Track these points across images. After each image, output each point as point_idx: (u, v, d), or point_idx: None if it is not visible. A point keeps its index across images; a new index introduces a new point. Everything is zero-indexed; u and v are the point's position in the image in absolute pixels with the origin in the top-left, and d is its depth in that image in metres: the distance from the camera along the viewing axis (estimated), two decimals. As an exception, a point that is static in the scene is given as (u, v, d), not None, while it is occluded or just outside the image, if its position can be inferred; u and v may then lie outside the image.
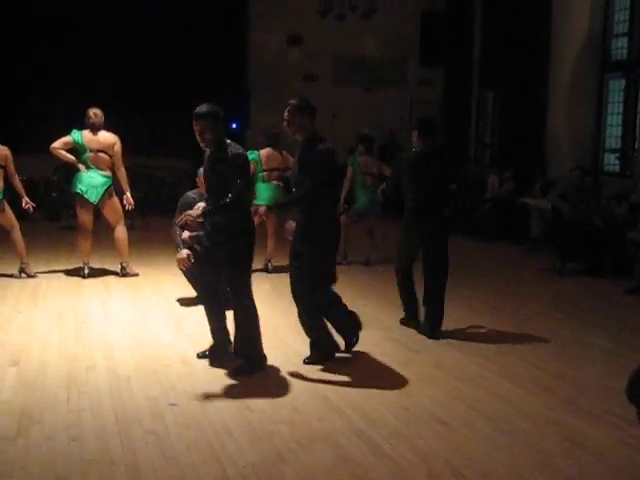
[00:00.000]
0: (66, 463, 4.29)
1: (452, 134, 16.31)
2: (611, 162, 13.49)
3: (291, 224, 6.05)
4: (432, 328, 7.05)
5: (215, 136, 5.74)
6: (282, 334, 6.71)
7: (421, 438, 4.77)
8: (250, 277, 5.96)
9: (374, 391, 5.61)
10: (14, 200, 9.23)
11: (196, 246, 6.56)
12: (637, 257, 9.54)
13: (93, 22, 15.54)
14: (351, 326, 6.41)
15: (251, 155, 9.18)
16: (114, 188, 9.33)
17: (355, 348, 6.50)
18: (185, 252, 6.40)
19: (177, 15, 15.96)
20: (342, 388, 5.67)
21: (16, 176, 9.02)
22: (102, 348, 6.50)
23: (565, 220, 10.50)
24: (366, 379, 5.87)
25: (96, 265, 9.60)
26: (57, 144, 9.06)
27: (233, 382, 5.72)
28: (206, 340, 6.24)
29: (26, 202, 9.10)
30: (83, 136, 9.09)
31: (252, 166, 8.93)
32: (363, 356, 6.47)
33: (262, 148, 9.85)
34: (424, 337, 7.01)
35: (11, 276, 9.11)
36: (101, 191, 9.14)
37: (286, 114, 6.03)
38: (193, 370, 5.98)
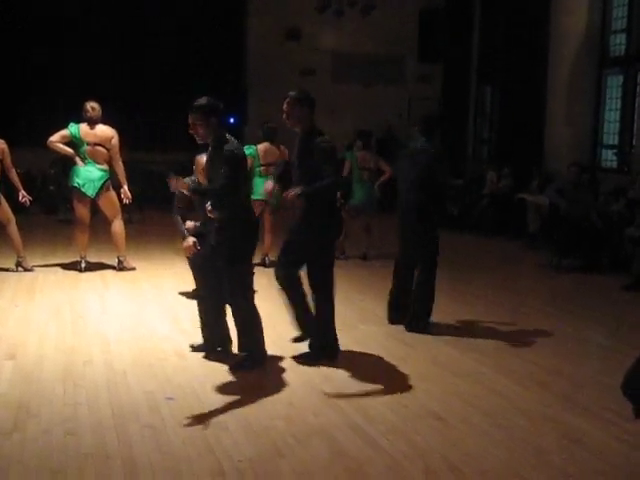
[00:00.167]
0: (62, 457, 4.29)
1: (450, 130, 16.29)
2: (609, 158, 13.50)
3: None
4: (409, 322, 7.11)
5: (209, 130, 5.74)
6: (279, 329, 6.70)
7: (418, 433, 4.77)
8: (248, 276, 5.93)
9: (370, 386, 5.61)
10: (10, 194, 9.22)
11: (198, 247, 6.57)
12: (634, 253, 9.55)
13: (93, 22, 15.54)
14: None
15: (248, 150, 9.15)
16: (111, 182, 9.33)
17: (352, 343, 6.50)
18: (191, 240, 6.44)
19: (177, 14, 15.95)
20: (338, 383, 5.67)
21: (13, 169, 9.00)
22: (99, 342, 6.50)
23: (562, 216, 10.51)
24: (363, 374, 5.86)
25: (93, 259, 9.60)
26: (55, 137, 9.05)
27: (229, 376, 5.72)
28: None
29: (22, 195, 9.08)
30: (80, 129, 9.07)
31: (249, 161, 8.91)
32: (360, 351, 6.46)
33: (260, 143, 9.84)
34: (420, 333, 7.01)
35: (8, 270, 9.11)
36: (98, 185, 9.13)
37: (285, 106, 6.03)
38: (189, 364, 5.98)
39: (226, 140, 5.77)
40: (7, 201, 9.11)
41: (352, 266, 10.00)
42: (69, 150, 9.13)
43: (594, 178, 12.12)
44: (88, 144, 9.09)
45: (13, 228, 9.10)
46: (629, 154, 12.81)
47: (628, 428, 4.83)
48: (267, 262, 9.68)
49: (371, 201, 10.53)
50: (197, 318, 6.23)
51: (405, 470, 4.28)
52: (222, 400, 5.23)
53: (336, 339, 6.24)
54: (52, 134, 9.08)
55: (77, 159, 9.10)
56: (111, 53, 15.72)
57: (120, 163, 9.26)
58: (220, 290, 5.94)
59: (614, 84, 13.34)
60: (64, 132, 9.08)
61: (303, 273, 6.14)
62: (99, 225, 10.02)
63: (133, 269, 9.40)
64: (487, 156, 16.69)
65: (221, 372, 5.79)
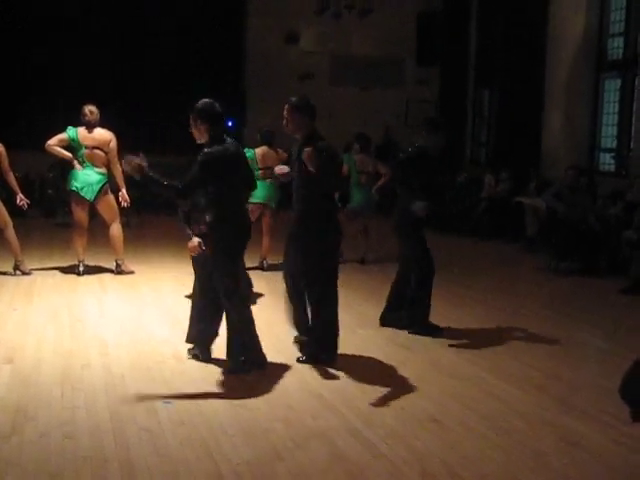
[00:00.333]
0: (60, 460, 4.29)
1: (448, 133, 16.28)
2: (606, 162, 13.50)
3: (282, 168, 6.37)
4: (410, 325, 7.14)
5: (201, 132, 5.78)
6: (277, 331, 6.70)
7: (416, 437, 4.76)
8: (237, 280, 5.88)
9: (369, 389, 5.61)
10: (8, 197, 9.22)
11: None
12: (632, 257, 9.55)
13: (93, 22, 15.54)
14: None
15: (247, 153, 9.15)
16: (110, 185, 9.33)
17: (351, 347, 6.50)
18: (196, 240, 6.45)
19: (177, 15, 15.96)
20: (337, 386, 5.67)
21: (10, 173, 9.00)
22: (97, 345, 6.49)
23: (560, 219, 10.51)
24: (361, 377, 5.85)
25: (91, 262, 9.59)
26: (52, 141, 9.05)
27: (227, 379, 5.71)
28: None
29: (20, 199, 9.08)
30: (78, 133, 9.08)
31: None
32: (358, 354, 6.46)
33: (258, 146, 9.83)
34: (419, 336, 7.01)
35: (6, 273, 9.10)
36: (96, 188, 9.13)
37: (285, 113, 6.04)
38: (187, 367, 5.97)
39: (221, 142, 5.76)
40: (5, 204, 9.10)
41: (350, 270, 9.97)
42: (67, 154, 9.13)
43: (592, 181, 12.12)
44: (86, 147, 9.09)
45: (11, 232, 9.08)
46: (627, 157, 12.82)
47: (626, 431, 4.83)
48: (265, 266, 9.68)
49: (369, 204, 10.53)
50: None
51: (404, 474, 4.27)
52: (220, 403, 5.23)
53: (336, 343, 6.23)
54: (51, 136, 9.08)
55: (75, 163, 9.10)
56: (111, 53, 15.72)
57: (118, 166, 9.22)
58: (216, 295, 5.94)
59: (612, 87, 13.35)
60: (62, 135, 9.09)
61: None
62: (97, 229, 10.01)
63: (131, 272, 9.39)
64: (485, 158, 16.70)
65: (219, 375, 5.78)
